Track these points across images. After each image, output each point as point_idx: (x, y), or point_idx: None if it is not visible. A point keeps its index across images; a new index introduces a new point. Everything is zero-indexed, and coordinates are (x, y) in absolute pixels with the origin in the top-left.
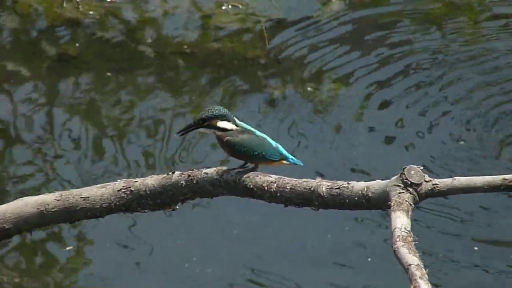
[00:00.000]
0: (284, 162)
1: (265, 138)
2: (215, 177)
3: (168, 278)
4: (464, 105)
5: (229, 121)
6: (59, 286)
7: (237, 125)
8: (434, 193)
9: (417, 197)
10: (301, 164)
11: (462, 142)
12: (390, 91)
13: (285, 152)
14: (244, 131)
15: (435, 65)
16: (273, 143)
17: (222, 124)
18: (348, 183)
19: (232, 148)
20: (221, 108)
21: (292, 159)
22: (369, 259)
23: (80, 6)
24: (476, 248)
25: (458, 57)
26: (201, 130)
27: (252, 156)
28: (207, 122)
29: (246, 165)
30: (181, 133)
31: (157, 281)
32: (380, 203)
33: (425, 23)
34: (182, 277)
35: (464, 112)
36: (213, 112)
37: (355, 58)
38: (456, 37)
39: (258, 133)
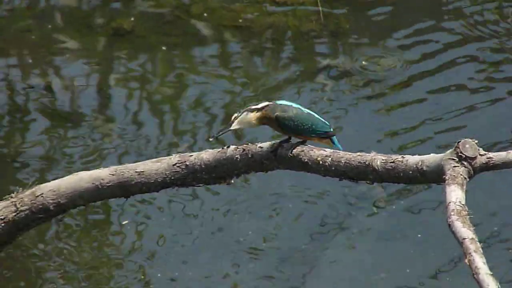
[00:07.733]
0: (329, 142)
1: (312, 113)
2: (270, 151)
3: (223, 253)
4: None
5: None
6: (113, 260)
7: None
8: (488, 166)
9: (472, 171)
10: (341, 149)
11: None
12: (445, 69)
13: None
14: (284, 106)
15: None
16: (322, 119)
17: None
18: (402, 156)
19: (282, 123)
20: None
21: (335, 142)
22: (419, 235)
23: None
24: None
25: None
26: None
27: (303, 130)
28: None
29: (291, 140)
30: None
31: (211, 255)
32: (435, 177)
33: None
34: (236, 252)
35: None
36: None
37: (413, 33)
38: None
39: (304, 109)
